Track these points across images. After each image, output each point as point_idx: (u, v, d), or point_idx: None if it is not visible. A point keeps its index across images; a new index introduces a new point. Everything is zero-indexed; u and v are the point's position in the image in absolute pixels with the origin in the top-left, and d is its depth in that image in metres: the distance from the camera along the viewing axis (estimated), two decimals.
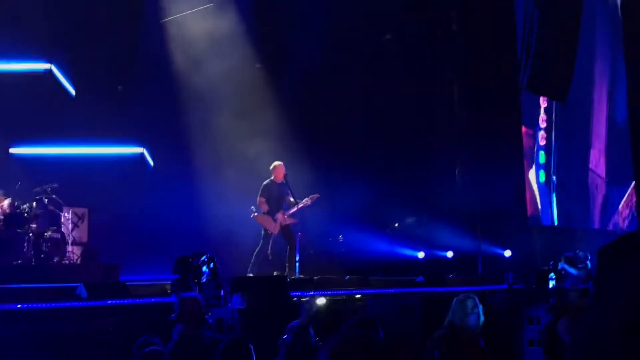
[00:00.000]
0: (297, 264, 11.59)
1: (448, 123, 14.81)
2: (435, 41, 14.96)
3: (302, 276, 11.35)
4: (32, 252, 11.82)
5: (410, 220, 14.59)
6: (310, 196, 11.85)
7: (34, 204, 12.25)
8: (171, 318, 6.14)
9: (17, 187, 12.46)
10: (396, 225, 14.60)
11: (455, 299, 5.91)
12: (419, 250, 14.15)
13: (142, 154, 15.45)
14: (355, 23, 14.34)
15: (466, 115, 14.57)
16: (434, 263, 13.89)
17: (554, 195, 14.69)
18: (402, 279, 12.08)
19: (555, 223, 14.71)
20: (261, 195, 11.83)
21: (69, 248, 12.57)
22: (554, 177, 14.60)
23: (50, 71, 14.68)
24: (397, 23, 14.67)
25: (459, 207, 14.09)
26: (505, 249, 14.10)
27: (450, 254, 14.17)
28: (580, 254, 11.54)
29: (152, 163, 15.49)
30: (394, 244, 14.09)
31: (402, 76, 14.50)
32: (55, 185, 12.68)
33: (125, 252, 13.27)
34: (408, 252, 14.09)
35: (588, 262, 11.43)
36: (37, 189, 12.49)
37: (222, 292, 8.66)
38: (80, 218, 13.07)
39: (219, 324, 8.30)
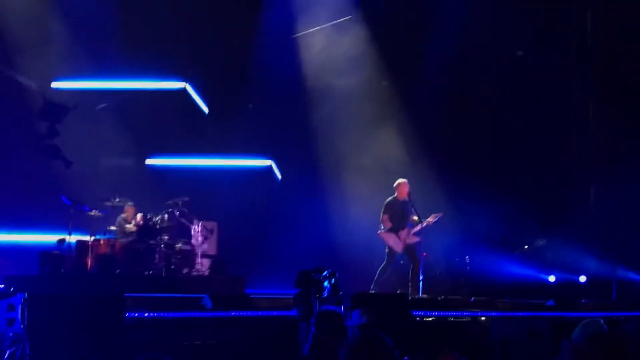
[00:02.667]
0: (421, 283, 11.39)
1: (583, 142, 14.20)
2: (570, 57, 14.43)
3: (425, 296, 11.14)
4: (162, 263, 12.20)
5: (541, 242, 14.04)
6: (434, 215, 11.65)
7: (166, 216, 12.67)
8: (312, 331, 6.13)
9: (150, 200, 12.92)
10: (526, 247, 14.10)
11: (580, 323, 5.60)
12: (550, 273, 13.59)
13: (270, 167, 15.76)
14: (487, 39, 14.04)
15: (602, 134, 13.92)
16: (566, 287, 13.29)
17: None
18: (531, 302, 11.63)
19: None
20: (384, 213, 11.75)
21: (198, 260, 12.89)
22: None
23: (184, 90, 15.23)
24: (530, 39, 14.25)
25: (594, 229, 13.46)
26: None
27: (583, 278, 13.53)
28: None
29: (279, 175, 15.77)
30: (524, 266, 13.60)
31: (535, 94, 14.06)
32: (187, 198, 13.08)
33: (252, 265, 13.50)
34: (538, 275, 13.56)
35: None
36: (169, 202, 12.92)
37: (342, 308, 8.60)
38: (210, 231, 13.39)
39: None
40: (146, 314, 8.19)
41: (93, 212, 12.38)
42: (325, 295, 9.50)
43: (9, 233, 13.70)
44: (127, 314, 7.50)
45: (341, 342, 5.77)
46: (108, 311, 6.94)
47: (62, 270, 11.60)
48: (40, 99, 13.18)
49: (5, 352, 6.67)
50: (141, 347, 7.39)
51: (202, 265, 12.93)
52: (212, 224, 13.54)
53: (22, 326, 6.87)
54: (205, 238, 13.17)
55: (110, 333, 6.72)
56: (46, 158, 12.85)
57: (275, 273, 12.54)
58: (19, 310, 6.96)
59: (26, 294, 6.96)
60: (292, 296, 9.79)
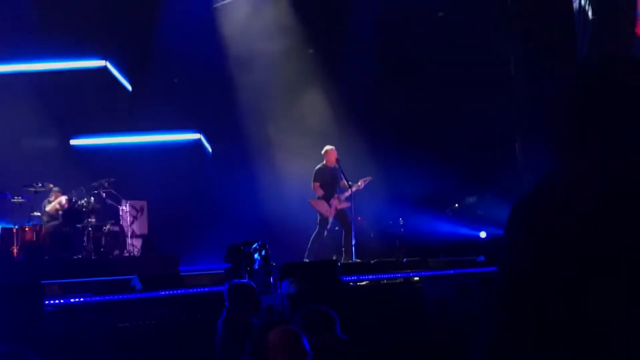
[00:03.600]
0: (354, 248, 11.39)
1: (507, 98, 14.30)
2: (491, 15, 14.47)
3: (358, 260, 11.15)
4: (91, 246, 11.96)
5: (471, 199, 14.19)
6: (363, 179, 11.64)
7: (92, 198, 12.39)
8: (226, 305, 6.06)
9: (76, 190, 12.57)
10: (457, 205, 14.23)
11: None
12: (481, 230, 13.75)
13: (199, 140, 15.55)
14: (407, 2, 14.01)
15: (525, 89, 14.04)
16: (497, 243, 13.44)
17: None
18: (462, 260, 11.75)
19: None
20: (315, 180, 11.68)
21: (129, 241, 12.68)
22: None
23: (105, 68, 14.86)
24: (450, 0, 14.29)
25: (521, 184, 13.64)
26: None
27: (483, 234, 13.71)
28: None
29: (210, 149, 15.57)
30: (455, 224, 13.73)
31: (458, 52, 14.09)
32: (113, 179, 12.81)
33: (184, 243, 13.34)
34: (470, 232, 13.70)
35: None
36: (95, 184, 12.64)
37: (271, 279, 8.55)
38: (139, 211, 13.17)
39: (269, 311, 8.19)
40: (65, 300, 7.97)
41: (15, 199, 12.02)
42: (257, 267, 9.45)
43: None
44: (45, 302, 7.28)
45: (254, 314, 5.72)
46: (24, 300, 6.71)
47: None
48: None
49: None
50: (63, 334, 7.21)
51: (134, 245, 12.72)
52: (141, 203, 13.32)
53: None
54: (134, 218, 12.95)
55: (28, 322, 6.50)
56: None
57: (209, 249, 12.41)
58: None
59: None
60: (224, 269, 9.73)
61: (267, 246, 9.51)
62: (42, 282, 8.32)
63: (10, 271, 10.82)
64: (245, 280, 7.23)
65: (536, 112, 13.59)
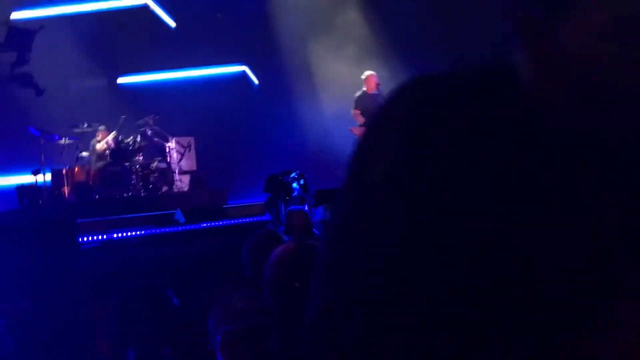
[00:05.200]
0: None
1: None
2: None
3: None
4: (140, 184, 12.14)
5: None
6: None
7: (139, 137, 12.53)
8: (280, 230, 6.18)
9: (121, 121, 12.74)
10: None
11: None
12: None
13: (244, 72, 15.50)
14: None
15: None
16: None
17: None
18: None
19: None
20: (355, 108, 11.53)
21: (177, 177, 12.82)
22: None
23: (147, 6, 14.83)
24: None
25: None
26: None
27: None
28: None
29: (256, 81, 15.52)
30: None
31: None
32: (158, 116, 12.92)
33: (233, 177, 13.43)
34: None
35: None
36: (140, 122, 12.77)
37: (305, 206, 8.54)
38: (186, 147, 13.27)
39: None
40: (104, 236, 8.15)
41: (63, 140, 12.24)
42: (295, 196, 9.47)
43: None
44: (82, 238, 7.45)
45: (307, 239, 5.80)
46: (59, 237, 6.86)
47: (41, 202, 11.55)
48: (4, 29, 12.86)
49: None
50: (103, 267, 7.37)
51: (182, 181, 12.87)
52: (187, 139, 13.42)
53: None
54: (181, 155, 13.07)
55: (63, 260, 6.65)
56: (17, 87, 12.57)
57: (256, 182, 12.46)
58: None
59: None
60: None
61: (305, 175, 9.49)
62: (82, 220, 8.52)
63: (63, 211, 11.11)
64: (298, 207, 7.32)
65: None
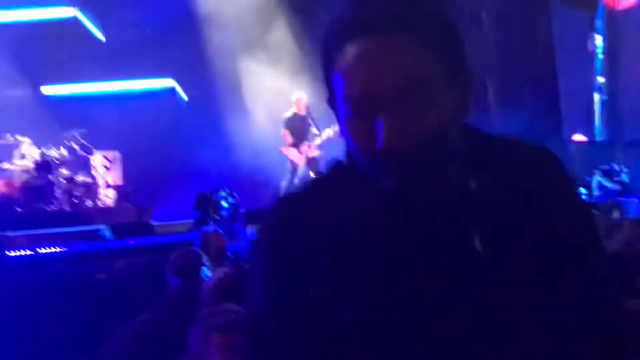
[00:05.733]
0: None
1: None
2: None
3: None
4: (65, 198, 11.94)
5: None
6: (334, 127, 11.59)
7: (64, 150, 12.35)
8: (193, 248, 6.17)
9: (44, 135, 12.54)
10: None
11: None
12: None
13: (173, 88, 15.44)
14: None
15: None
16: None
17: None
18: None
19: None
20: (284, 128, 11.67)
21: (102, 192, 12.66)
22: None
23: (76, 17, 14.67)
24: None
25: None
26: None
27: None
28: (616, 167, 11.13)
29: (185, 97, 15.47)
30: None
31: None
32: (84, 130, 12.76)
33: (159, 193, 13.31)
34: None
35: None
36: (66, 135, 12.59)
37: (236, 225, 8.61)
38: (112, 161, 13.13)
39: (235, 258, 8.26)
40: (29, 251, 8.00)
41: None
42: (225, 215, 9.52)
43: None
44: (7, 253, 7.30)
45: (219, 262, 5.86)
46: None
47: None
48: None
49: None
50: (27, 285, 7.24)
51: (107, 196, 12.71)
52: (113, 154, 13.28)
53: None
54: (107, 169, 12.92)
55: None
56: None
57: (183, 199, 12.42)
58: None
59: None
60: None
61: (234, 194, 9.56)
62: (12, 233, 8.34)
63: None
64: (212, 229, 7.31)
65: None
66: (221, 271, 3.78)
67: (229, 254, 8.00)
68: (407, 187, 1.23)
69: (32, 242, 8.90)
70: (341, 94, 1.27)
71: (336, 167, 1.41)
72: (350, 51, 1.22)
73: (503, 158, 1.32)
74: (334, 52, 1.28)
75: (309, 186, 1.46)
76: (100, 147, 13.07)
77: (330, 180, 1.41)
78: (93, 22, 15.07)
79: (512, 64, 13.50)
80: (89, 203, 12.32)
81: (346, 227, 1.30)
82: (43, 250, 8.48)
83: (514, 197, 1.28)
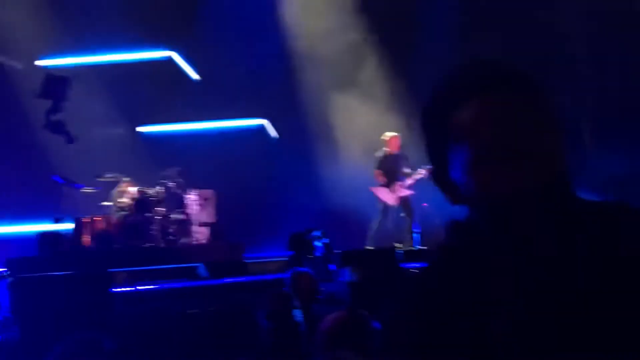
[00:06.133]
0: (416, 235, 11.37)
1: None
2: None
3: (421, 247, 11.14)
4: (160, 235, 12.25)
5: None
6: (426, 167, 11.54)
7: (161, 188, 12.69)
8: (285, 290, 6.25)
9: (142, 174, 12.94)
10: None
11: None
12: None
13: (264, 126, 15.71)
14: None
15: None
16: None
17: None
18: None
19: None
20: (377, 168, 11.71)
21: (196, 229, 12.92)
22: None
23: (171, 58, 15.14)
24: None
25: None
26: None
27: None
28: None
29: (275, 134, 15.71)
30: None
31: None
32: (180, 169, 13.09)
33: (251, 230, 13.51)
34: None
35: None
36: (163, 174, 12.94)
37: (332, 266, 8.63)
38: (206, 199, 13.40)
39: (330, 299, 8.28)
40: (133, 288, 8.23)
41: (87, 190, 12.40)
42: (319, 255, 9.57)
43: (7, 225, 13.78)
44: (113, 289, 7.53)
45: (311, 302, 5.87)
46: (93, 288, 6.97)
47: (61, 249, 11.65)
48: (29, 77, 13.14)
49: None
50: (132, 321, 7.44)
51: (200, 233, 12.97)
52: (207, 192, 13.54)
53: (9, 311, 6.92)
54: (201, 207, 13.19)
55: (96, 310, 6.75)
56: (51, 134, 12.72)
57: (275, 236, 12.57)
58: (5, 295, 7.01)
59: (10, 279, 6.99)
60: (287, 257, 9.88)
61: (328, 234, 9.61)
62: (112, 270, 8.61)
63: (83, 260, 11.20)
64: (304, 269, 7.36)
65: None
66: (336, 315, 3.78)
67: (323, 295, 8.04)
68: (528, 231, 1.36)
69: (133, 279, 9.18)
70: (468, 143, 1.39)
71: (458, 228, 1.52)
72: (473, 106, 1.38)
73: (608, 221, 1.41)
74: (449, 108, 1.42)
75: (444, 253, 1.55)
76: (194, 186, 13.38)
77: (458, 243, 1.51)
78: (188, 63, 15.53)
79: (610, 108, 13.22)
80: (183, 240, 12.60)
81: (482, 288, 1.40)
82: (143, 287, 8.74)
83: (621, 258, 1.37)
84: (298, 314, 5.97)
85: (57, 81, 12.29)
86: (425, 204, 12.53)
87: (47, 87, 12.14)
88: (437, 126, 1.45)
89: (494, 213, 1.38)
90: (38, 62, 14.43)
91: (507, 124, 1.36)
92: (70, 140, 12.24)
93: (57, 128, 12.15)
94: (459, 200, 1.46)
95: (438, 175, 1.50)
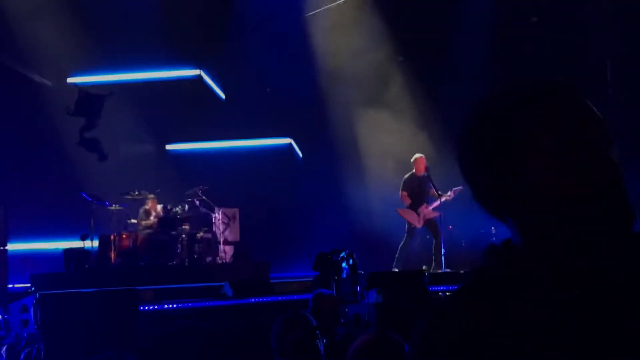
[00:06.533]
0: (443, 258, 11.28)
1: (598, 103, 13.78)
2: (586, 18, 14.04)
3: (448, 270, 11.04)
4: (185, 253, 12.27)
5: None
6: (453, 189, 11.45)
7: (187, 206, 12.73)
8: (302, 312, 6.17)
9: (158, 191, 13.01)
10: None
11: None
12: None
13: (290, 145, 15.75)
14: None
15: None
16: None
17: None
18: None
19: None
20: (403, 189, 11.64)
21: (221, 247, 12.93)
22: None
23: (200, 77, 15.25)
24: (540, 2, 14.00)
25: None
26: None
27: None
28: None
29: (300, 154, 15.73)
30: None
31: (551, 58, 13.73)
32: (206, 187, 13.13)
33: (275, 249, 13.51)
34: None
35: None
36: (189, 192, 12.98)
37: (358, 288, 8.57)
38: (231, 218, 13.42)
39: (355, 320, 8.22)
40: (159, 306, 8.22)
41: (113, 207, 12.47)
42: (344, 276, 9.50)
43: (35, 242, 13.89)
44: (140, 307, 7.53)
45: (334, 324, 5.82)
46: (120, 305, 6.97)
47: (87, 266, 11.71)
48: (60, 94, 13.30)
49: (21, 354, 6.74)
50: (157, 339, 7.43)
51: (225, 252, 12.97)
52: (233, 211, 13.56)
53: (35, 326, 6.94)
54: (226, 225, 13.20)
55: (123, 327, 6.75)
56: (80, 151, 12.85)
57: (299, 255, 12.54)
58: (32, 311, 7.03)
59: (37, 294, 7.01)
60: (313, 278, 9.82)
61: (354, 255, 9.56)
62: (137, 287, 8.61)
63: (108, 277, 11.24)
64: (327, 291, 7.30)
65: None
66: (366, 337, 3.72)
67: (349, 316, 7.97)
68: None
69: (159, 297, 9.17)
70: (547, 143, 1.34)
71: (499, 251, 1.44)
72: (554, 105, 1.36)
73: None
74: (516, 112, 1.39)
75: (480, 276, 1.44)
76: (220, 204, 13.40)
77: (498, 266, 1.42)
78: (215, 82, 15.63)
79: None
80: (208, 258, 12.61)
81: (522, 318, 1.31)
82: (168, 306, 8.73)
83: None
84: (318, 336, 5.91)
85: (92, 99, 12.42)
86: (450, 227, 12.45)
87: (82, 105, 12.27)
88: (499, 134, 1.40)
89: (559, 220, 1.32)
90: (69, 80, 14.59)
91: (591, 120, 1.36)
92: (103, 157, 12.35)
93: (91, 145, 12.26)
94: (513, 213, 1.40)
95: (491, 189, 1.42)
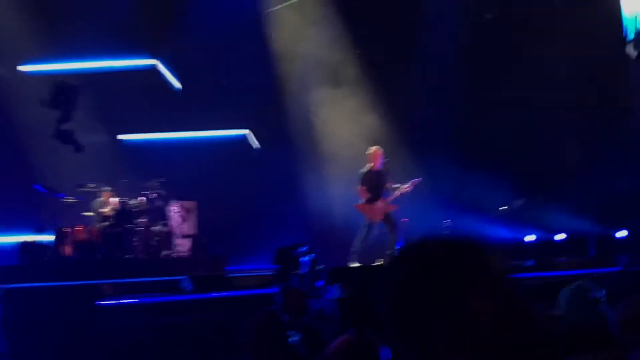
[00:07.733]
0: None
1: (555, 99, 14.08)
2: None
3: None
4: (142, 247, 12.17)
5: (518, 203, 14.01)
6: (412, 181, 11.53)
7: (143, 199, 12.60)
8: (273, 309, 6.18)
9: (123, 182, 12.84)
10: (503, 208, 14.04)
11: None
12: (529, 233, 13.58)
13: (246, 137, 15.68)
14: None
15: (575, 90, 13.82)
16: (544, 246, 13.26)
17: None
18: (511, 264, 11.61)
19: None
20: (361, 184, 11.64)
21: (178, 241, 12.85)
22: None
23: (155, 67, 15.07)
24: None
25: (573, 187, 13.45)
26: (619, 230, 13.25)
27: (561, 236, 13.48)
28: None
29: (257, 144, 15.66)
30: (502, 228, 13.58)
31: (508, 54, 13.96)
32: (163, 180, 13.01)
33: (233, 241, 13.46)
34: (516, 235, 13.53)
35: None
36: (145, 185, 12.85)
37: (320, 282, 8.62)
38: (188, 211, 13.33)
39: (319, 315, 8.26)
40: (118, 301, 8.15)
41: (68, 199, 12.29)
42: (305, 271, 9.54)
43: None
44: (98, 302, 7.46)
45: (302, 319, 5.86)
46: (79, 300, 6.90)
47: (42, 259, 11.55)
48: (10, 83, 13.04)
49: None
50: (117, 334, 7.37)
51: (182, 246, 12.89)
52: (190, 204, 13.48)
53: None
54: (183, 218, 13.12)
55: (83, 322, 6.68)
56: (59, 143, 12.57)
57: (257, 248, 12.54)
58: None
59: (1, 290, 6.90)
60: (272, 272, 9.84)
61: (315, 249, 9.60)
62: (94, 282, 8.53)
63: (64, 270, 11.09)
64: (294, 286, 7.33)
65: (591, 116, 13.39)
66: (343, 339, 3.76)
67: (312, 311, 8.00)
68: None
69: (117, 292, 9.09)
70: None
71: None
72: None
73: None
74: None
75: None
76: (176, 197, 13.29)
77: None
78: (171, 72, 15.46)
79: None
80: (164, 252, 12.52)
81: None
82: (127, 301, 8.66)
83: None
84: (291, 332, 5.93)
85: (67, 90, 12.14)
86: (406, 219, 12.54)
87: (57, 96, 11.99)
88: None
89: None
90: (20, 68, 14.30)
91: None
92: (79, 148, 12.11)
93: (67, 137, 12.02)
94: None
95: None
